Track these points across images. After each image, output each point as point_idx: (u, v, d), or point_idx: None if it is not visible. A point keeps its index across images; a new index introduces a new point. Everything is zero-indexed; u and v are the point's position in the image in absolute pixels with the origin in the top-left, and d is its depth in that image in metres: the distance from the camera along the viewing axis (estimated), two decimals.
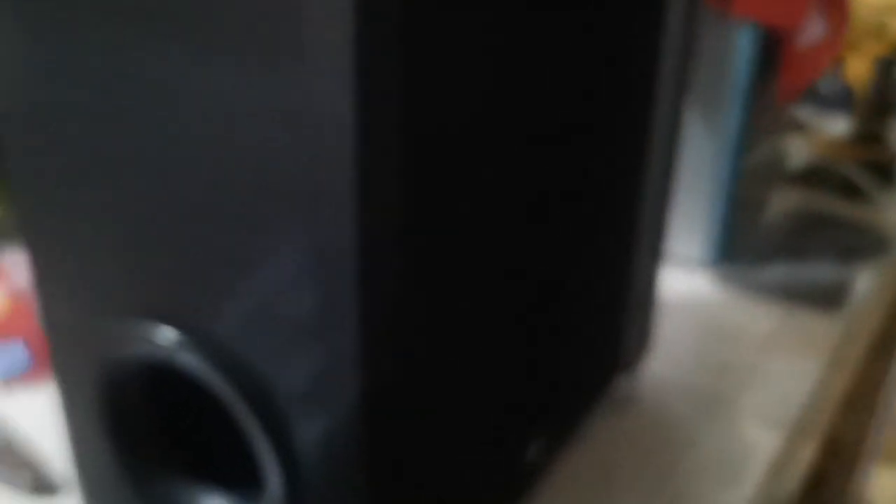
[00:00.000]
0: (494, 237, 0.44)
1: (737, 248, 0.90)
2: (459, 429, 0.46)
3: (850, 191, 1.07)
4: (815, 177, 1.10)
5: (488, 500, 0.53)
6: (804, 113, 1.32)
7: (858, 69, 1.06)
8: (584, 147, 0.52)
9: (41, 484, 0.58)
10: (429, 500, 0.45)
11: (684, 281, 0.87)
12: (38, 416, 0.64)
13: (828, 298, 0.83)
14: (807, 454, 0.69)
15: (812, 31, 0.78)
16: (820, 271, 0.88)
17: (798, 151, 1.12)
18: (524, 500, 0.58)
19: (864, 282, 0.88)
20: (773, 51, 0.81)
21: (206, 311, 0.39)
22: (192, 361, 0.40)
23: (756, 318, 0.82)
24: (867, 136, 1.09)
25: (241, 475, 0.44)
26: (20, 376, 0.68)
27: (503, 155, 0.43)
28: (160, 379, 0.44)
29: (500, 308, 0.47)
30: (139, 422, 0.47)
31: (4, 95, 0.42)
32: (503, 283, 0.47)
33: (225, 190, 0.36)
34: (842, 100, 1.24)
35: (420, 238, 0.37)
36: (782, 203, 1.05)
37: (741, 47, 0.78)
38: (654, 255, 0.66)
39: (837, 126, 1.21)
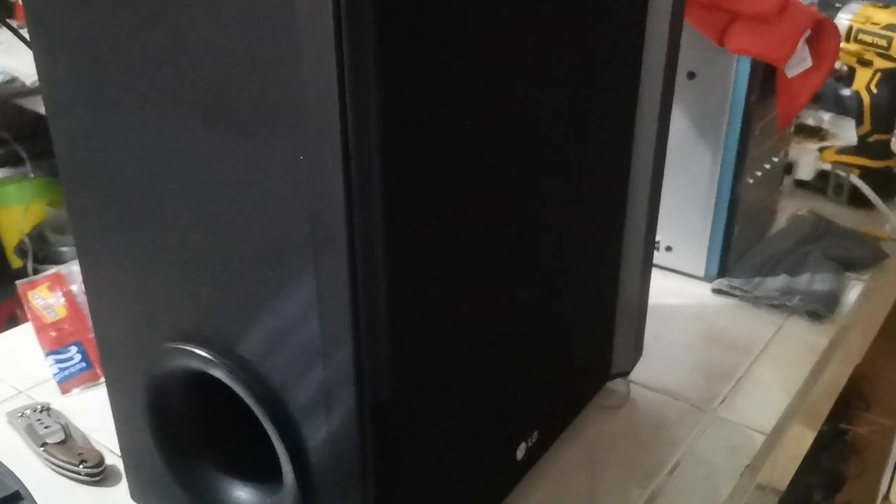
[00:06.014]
0: (483, 246, 0.50)
1: (737, 258, 0.95)
2: (453, 432, 0.53)
3: (857, 200, 1.10)
4: (823, 183, 1.14)
5: (480, 493, 0.60)
6: (823, 118, 1.36)
7: (864, 81, 1.09)
8: (569, 158, 0.57)
9: (95, 474, 0.65)
10: (425, 494, 0.52)
11: (685, 290, 0.93)
12: (92, 413, 0.71)
13: (822, 308, 0.87)
14: (793, 460, 0.73)
15: (800, 61, 0.82)
16: (818, 281, 0.92)
17: (809, 157, 1.16)
18: (514, 492, 0.64)
19: (857, 292, 0.92)
20: (769, 75, 0.86)
21: (232, 334, 0.47)
22: (220, 375, 0.47)
23: (751, 326, 0.87)
24: (873, 146, 1.12)
25: (266, 472, 0.51)
26: (77, 377, 0.76)
27: (490, 168, 0.48)
28: (198, 387, 0.52)
29: (490, 318, 0.53)
30: (180, 422, 0.54)
31: (67, 152, 0.50)
32: (493, 293, 0.53)
33: (244, 240, 0.43)
34: (860, 106, 1.26)
35: (409, 262, 0.44)
36: (789, 209, 1.09)
37: (740, 72, 0.83)
38: (643, 265, 0.71)
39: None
